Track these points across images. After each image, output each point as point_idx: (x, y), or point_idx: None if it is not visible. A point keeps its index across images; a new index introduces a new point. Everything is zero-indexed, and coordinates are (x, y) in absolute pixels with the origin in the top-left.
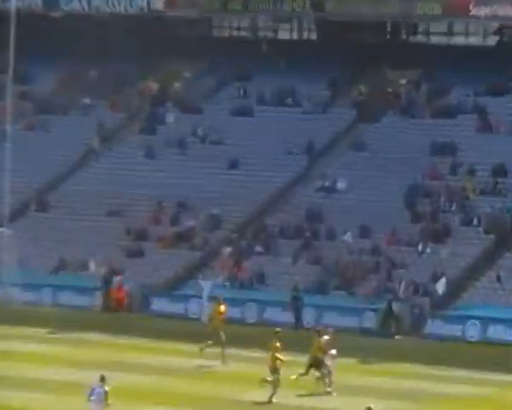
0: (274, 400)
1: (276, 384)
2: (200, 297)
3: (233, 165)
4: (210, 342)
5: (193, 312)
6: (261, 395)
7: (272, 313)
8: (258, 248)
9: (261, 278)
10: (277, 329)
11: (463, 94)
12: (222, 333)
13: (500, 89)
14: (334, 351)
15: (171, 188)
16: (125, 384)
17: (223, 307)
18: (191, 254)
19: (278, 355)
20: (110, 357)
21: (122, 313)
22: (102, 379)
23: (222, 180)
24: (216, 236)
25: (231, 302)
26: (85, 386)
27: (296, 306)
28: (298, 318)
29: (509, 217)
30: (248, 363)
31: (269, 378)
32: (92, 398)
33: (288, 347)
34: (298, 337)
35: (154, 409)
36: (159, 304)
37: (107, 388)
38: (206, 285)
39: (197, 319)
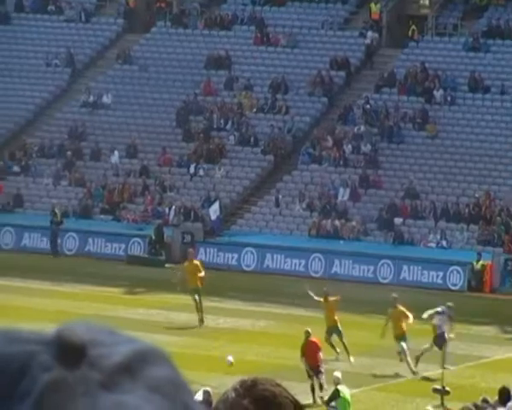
0: None
1: None
2: None
3: None
4: None
5: None
6: None
7: (31, 239)
8: (16, 169)
9: (19, 201)
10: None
11: (240, 3)
12: None
13: None
14: None
15: None
16: None
17: None
18: None
19: None
20: None
21: None
22: None
23: None
24: None
25: None
26: None
27: (54, 231)
28: (54, 244)
29: (289, 137)
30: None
31: None
32: None
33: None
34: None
35: None
36: None
37: None
38: None
39: None
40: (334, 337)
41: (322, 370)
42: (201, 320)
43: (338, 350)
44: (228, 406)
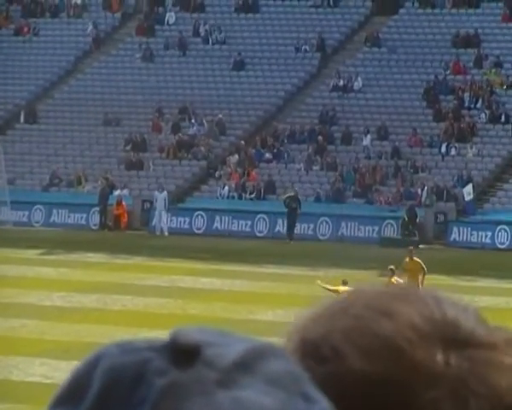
0: None
1: None
2: (158, 209)
3: (238, 66)
4: None
5: (198, 227)
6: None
7: (284, 225)
8: (268, 156)
9: (271, 188)
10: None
11: None
12: None
13: None
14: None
15: (172, 93)
16: (128, 308)
17: None
18: (195, 165)
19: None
20: (110, 279)
21: (121, 230)
22: None
23: (227, 83)
24: (221, 143)
25: (240, 215)
26: (80, 311)
27: (291, 215)
28: (291, 228)
29: None
30: (259, 281)
31: None
32: None
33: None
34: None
35: (162, 333)
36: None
37: None
38: (160, 197)
39: (203, 235)
40: None
41: None
42: None
43: None
44: None
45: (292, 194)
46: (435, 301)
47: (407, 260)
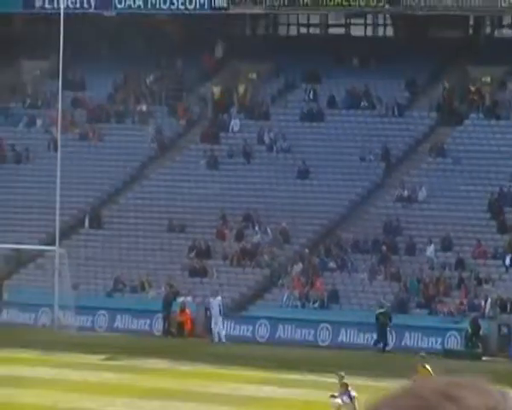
0: None
1: None
2: (214, 315)
3: (303, 174)
4: None
5: (261, 335)
6: None
7: (347, 335)
8: (332, 265)
9: (334, 297)
10: (422, 353)
11: None
12: None
13: None
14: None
15: (236, 200)
16: None
17: None
18: (258, 272)
19: None
20: (173, 386)
21: (185, 337)
22: None
23: (291, 191)
24: (285, 252)
25: (303, 324)
26: None
27: (383, 330)
28: (382, 341)
29: None
30: (321, 390)
31: None
32: None
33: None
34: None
35: None
36: (224, 327)
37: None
38: (214, 303)
39: (265, 344)
40: None
41: None
42: None
43: None
44: None
45: (383, 310)
46: (501, 395)
47: (418, 367)
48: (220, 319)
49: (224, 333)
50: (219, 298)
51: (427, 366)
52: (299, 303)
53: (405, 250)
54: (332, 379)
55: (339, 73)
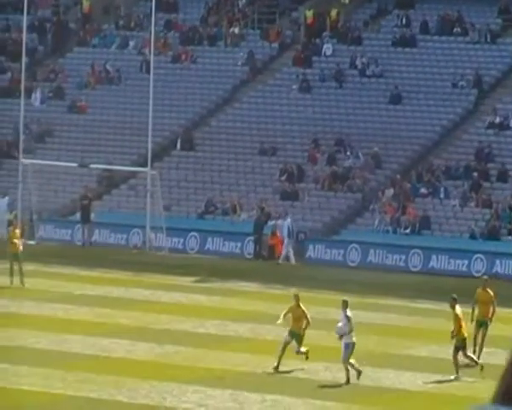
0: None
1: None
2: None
3: (395, 99)
4: None
5: (352, 259)
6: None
7: (438, 261)
8: (423, 190)
9: (426, 223)
10: (485, 276)
11: None
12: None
13: None
14: None
15: (328, 125)
16: (281, 339)
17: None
18: (350, 197)
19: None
20: (263, 308)
21: (276, 260)
22: None
23: (383, 116)
24: (377, 176)
25: (394, 249)
26: (234, 339)
27: None
28: None
29: None
30: (413, 315)
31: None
32: None
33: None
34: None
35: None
36: (315, 251)
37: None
38: (283, 224)
39: (356, 268)
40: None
41: None
42: None
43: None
44: None
45: None
46: None
47: (480, 290)
48: (288, 240)
49: (292, 256)
50: (289, 220)
51: (489, 290)
52: (390, 228)
53: (497, 177)
54: (423, 305)
55: None
